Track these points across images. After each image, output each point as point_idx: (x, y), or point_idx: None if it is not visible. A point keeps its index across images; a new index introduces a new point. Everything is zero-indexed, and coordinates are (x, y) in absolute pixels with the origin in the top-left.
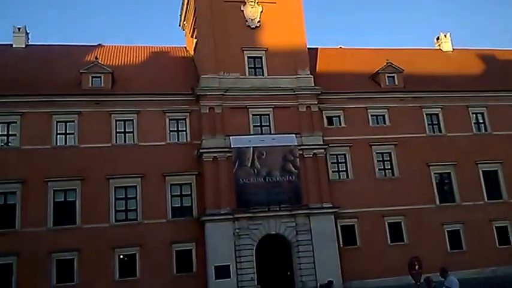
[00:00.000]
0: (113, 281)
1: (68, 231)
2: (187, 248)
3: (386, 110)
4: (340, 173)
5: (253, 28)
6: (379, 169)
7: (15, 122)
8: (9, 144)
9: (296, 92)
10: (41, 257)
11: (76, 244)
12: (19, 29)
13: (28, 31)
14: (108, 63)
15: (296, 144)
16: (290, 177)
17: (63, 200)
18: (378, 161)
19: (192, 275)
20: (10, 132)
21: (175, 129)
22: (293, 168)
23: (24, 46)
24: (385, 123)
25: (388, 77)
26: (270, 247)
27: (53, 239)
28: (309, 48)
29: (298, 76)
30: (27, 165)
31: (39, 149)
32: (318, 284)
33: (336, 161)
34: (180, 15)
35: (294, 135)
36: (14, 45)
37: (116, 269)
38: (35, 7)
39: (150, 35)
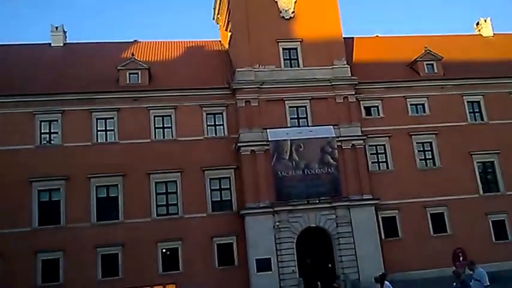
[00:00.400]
0: (157, 275)
1: (111, 226)
2: (228, 241)
3: (426, 99)
4: (380, 164)
5: (287, 19)
6: (420, 159)
7: (56, 121)
8: (52, 142)
9: (333, 83)
10: (86, 252)
11: (120, 239)
12: (57, 28)
13: (65, 30)
14: (145, 59)
15: (334, 135)
16: (329, 169)
17: (105, 195)
18: (418, 151)
19: (233, 268)
20: (52, 130)
21: (213, 123)
22: (331, 160)
23: (62, 45)
24: (424, 112)
25: (427, 64)
26: (310, 240)
27: (97, 234)
28: (344, 38)
29: (334, 66)
30: (70, 162)
31: (80, 146)
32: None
33: (375, 152)
34: (214, 9)
35: (331, 126)
36: (52, 45)
37: (159, 262)
38: (71, 5)
39: (185, 30)
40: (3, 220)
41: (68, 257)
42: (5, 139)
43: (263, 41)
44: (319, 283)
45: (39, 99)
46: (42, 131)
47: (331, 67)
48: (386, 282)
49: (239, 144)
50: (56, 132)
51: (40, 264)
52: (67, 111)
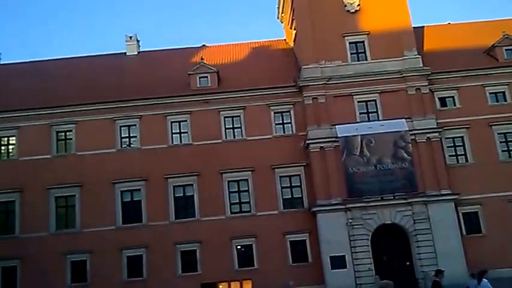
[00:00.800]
0: (233, 270)
1: (188, 224)
2: (301, 238)
3: (506, 86)
4: (458, 157)
5: (352, 12)
6: (502, 150)
7: (134, 125)
8: (132, 145)
9: (403, 75)
10: (167, 249)
11: (197, 236)
12: (131, 37)
13: (139, 39)
14: (213, 62)
15: (407, 129)
16: (403, 164)
17: (182, 195)
18: (500, 142)
19: (307, 265)
20: (131, 135)
21: (281, 121)
22: (405, 155)
23: (136, 53)
24: (505, 100)
25: (506, 50)
26: (385, 237)
27: (176, 231)
28: (414, 27)
29: (404, 57)
30: (148, 164)
31: (157, 148)
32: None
33: (452, 144)
34: (278, 8)
35: (404, 120)
36: (127, 53)
37: (235, 258)
38: (143, 15)
39: (250, 32)
40: (92, 219)
41: (150, 253)
42: (90, 144)
43: (328, 36)
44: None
45: (118, 106)
46: (122, 136)
47: (401, 58)
48: (484, 279)
49: (308, 142)
50: (135, 136)
51: (125, 260)
52: (144, 116)
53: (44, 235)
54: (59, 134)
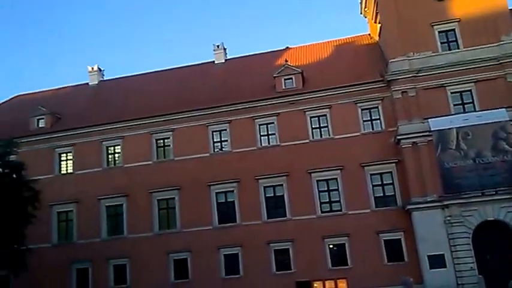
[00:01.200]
0: (327, 269)
1: (280, 223)
2: (396, 237)
3: None
4: None
5: (440, 0)
6: None
7: (225, 130)
8: (223, 149)
9: (501, 61)
10: (260, 247)
11: (289, 235)
12: (218, 46)
13: (225, 47)
14: (298, 63)
15: (508, 119)
16: (505, 157)
17: (272, 195)
18: None
19: (403, 264)
20: (222, 139)
21: (369, 118)
22: (507, 146)
23: (223, 61)
24: None
25: None
26: (488, 234)
27: (268, 230)
28: (510, 10)
29: (501, 43)
30: (240, 166)
31: (247, 151)
32: None
33: None
34: (361, 3)
35: (504, 109)
36: (215, 62)
37: (328, 257)
38: (227, 25)
39: (333, 30)
40: (191, 220)
41: (245, 252)
42: (186, 150)
43: (416, 27)
44: None
45: (210, 112)
46: (214, 140)
47: (497, 44)
48: None
49: (399, 137)
50: (226, 141)
51: (222, 258)
52: (233, 121)
53: (149, 235)
54: (158, 141)
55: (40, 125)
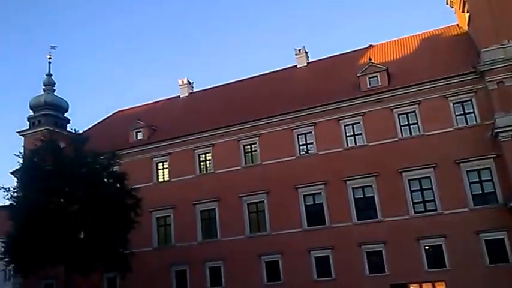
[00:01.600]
0: (423, 272)
1: (371, 224)
2: (498, 237)
3: None
4: None
5: None
6: None
7: (310, 132)
8: (309, 152)
9: None
10: (352, 249)
11: (381, 236)
12: (299, 50)
13: (307, 50)
14: (382, 61)
15: None
16: None
17: (361, 196)
18: None
19: (508, 266)
20: (308, 141)
21: (462, 112)
22: None
23: (306, 64)
24: None
25: None
26: None
27: (359, 232)
28: None
29: None
30: (326, 168)
31: (333, 152)
32: None
33: None
34: None
35: None
36: (297, 66)
37: (424, 259)
38: (307, 27)
39: (417, 23)
40: (280, 223)
41: (335, 254)
42: (272, 154)
43: (509, 12)
44: None
45: (294, 116)
46: (300, 143)
47: None
48: None
49: (496, 131)
50: (311, 143)
51: (313, 260)
52: (318, 123)
53: (241, 238)
54: (246, 147)
55: (138, 137)
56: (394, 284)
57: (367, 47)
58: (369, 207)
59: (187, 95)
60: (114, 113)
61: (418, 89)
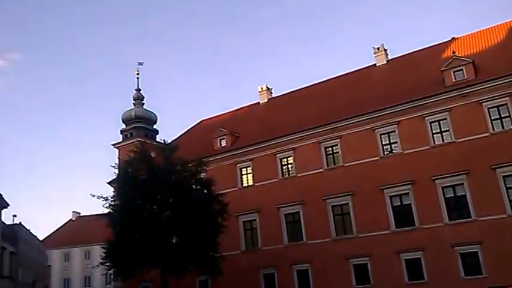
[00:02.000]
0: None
1: (464, 224)
2: None
3: None
4: None
5: None
6: None
7: (393, 131)
8: (393, 151)
9: None
10: (444, 250)
11: (475, 237)
12: (378, 48)
13: (386, 48)
14: (467, 53)
15: None
16: None
17: (452, 195)
18: None
19: None
20: (391, 141)
21: None
22: None
23: (385, 62)
24: None
25: None
26: None
27: (451, 233)
28: None
29: None
30: (413, 167)
31: (420, 150)
32: None
33: None
34: None
35: None
36: (377, 64)
37: None
38: (386, 25)
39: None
40: (366, 225)
41: (427, 256)
42: (354, 155)
43: None
44: None
45: (376, 116)
46: (383, 143)
47: None
48: None
49: None
50: (395, 142)
51: (404, 262)
52: (402, 121)
53: (327, 241)
54: (327, 149)
55: (222, 144)
56: (493, 286)
57: (449, 40)
58: (461, 207)
59: (266, 100)
60: (199, 122)
61: (508, 80)
